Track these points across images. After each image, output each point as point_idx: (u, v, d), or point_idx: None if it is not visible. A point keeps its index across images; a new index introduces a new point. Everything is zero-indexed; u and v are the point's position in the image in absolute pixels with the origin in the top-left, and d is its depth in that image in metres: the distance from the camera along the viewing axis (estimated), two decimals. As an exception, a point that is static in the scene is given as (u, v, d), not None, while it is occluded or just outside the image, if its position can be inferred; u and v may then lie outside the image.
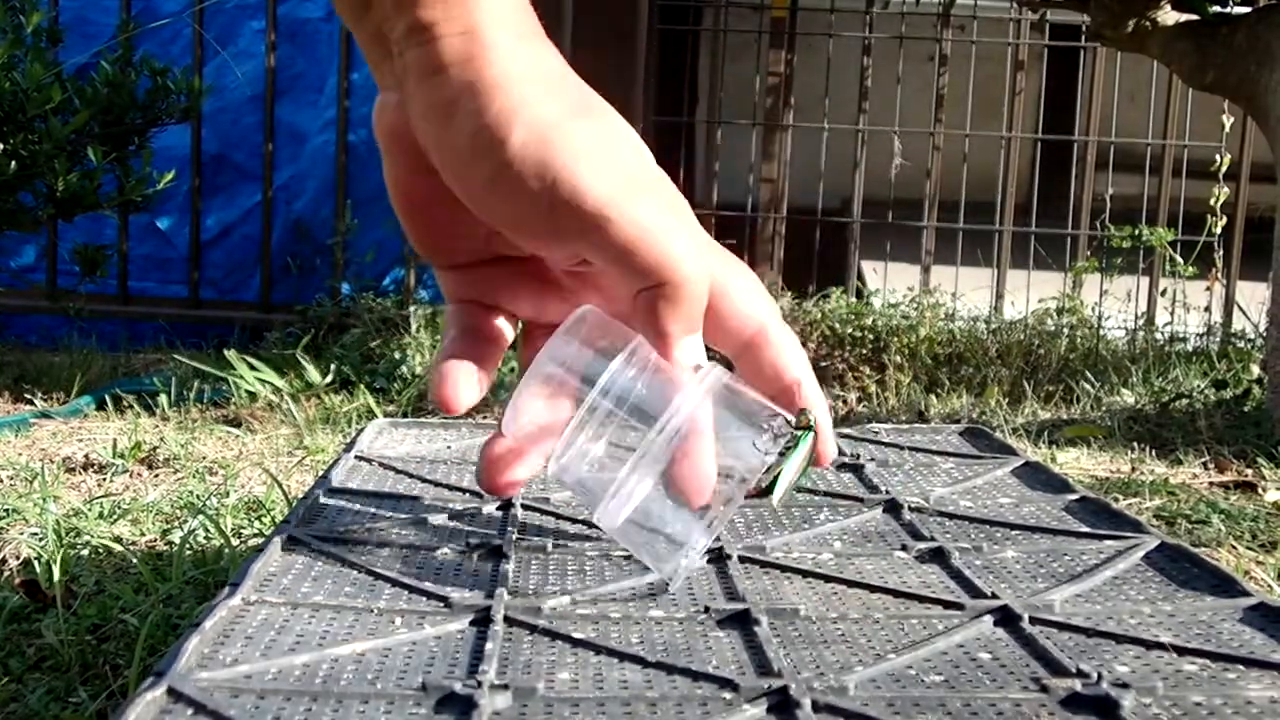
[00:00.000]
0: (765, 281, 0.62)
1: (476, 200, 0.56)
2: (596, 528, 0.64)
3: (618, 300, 0.57)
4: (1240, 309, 2.91)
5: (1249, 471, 1.80)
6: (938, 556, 0.68)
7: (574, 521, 0.74)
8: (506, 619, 0.57)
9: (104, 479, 1.63)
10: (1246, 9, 2.09)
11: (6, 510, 1.40)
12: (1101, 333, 2.88)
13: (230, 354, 2.41)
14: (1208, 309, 2.97)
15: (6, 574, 1.22)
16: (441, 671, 0.51)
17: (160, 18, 3.11)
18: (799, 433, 0.59)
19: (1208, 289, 2.95)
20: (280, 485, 1.44)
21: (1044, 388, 2.51)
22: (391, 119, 0.57)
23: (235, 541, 1.30)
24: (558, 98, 0.55)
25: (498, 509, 0.77)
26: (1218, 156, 2.81)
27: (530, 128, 0.53)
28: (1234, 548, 1.36)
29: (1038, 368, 2.66)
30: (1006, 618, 0.58)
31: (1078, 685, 0.49)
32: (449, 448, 0.95)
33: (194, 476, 1.63)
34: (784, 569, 0.65)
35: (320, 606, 0.59)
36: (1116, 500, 1.56)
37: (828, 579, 0.64)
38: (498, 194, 0.54)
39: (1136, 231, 3.06)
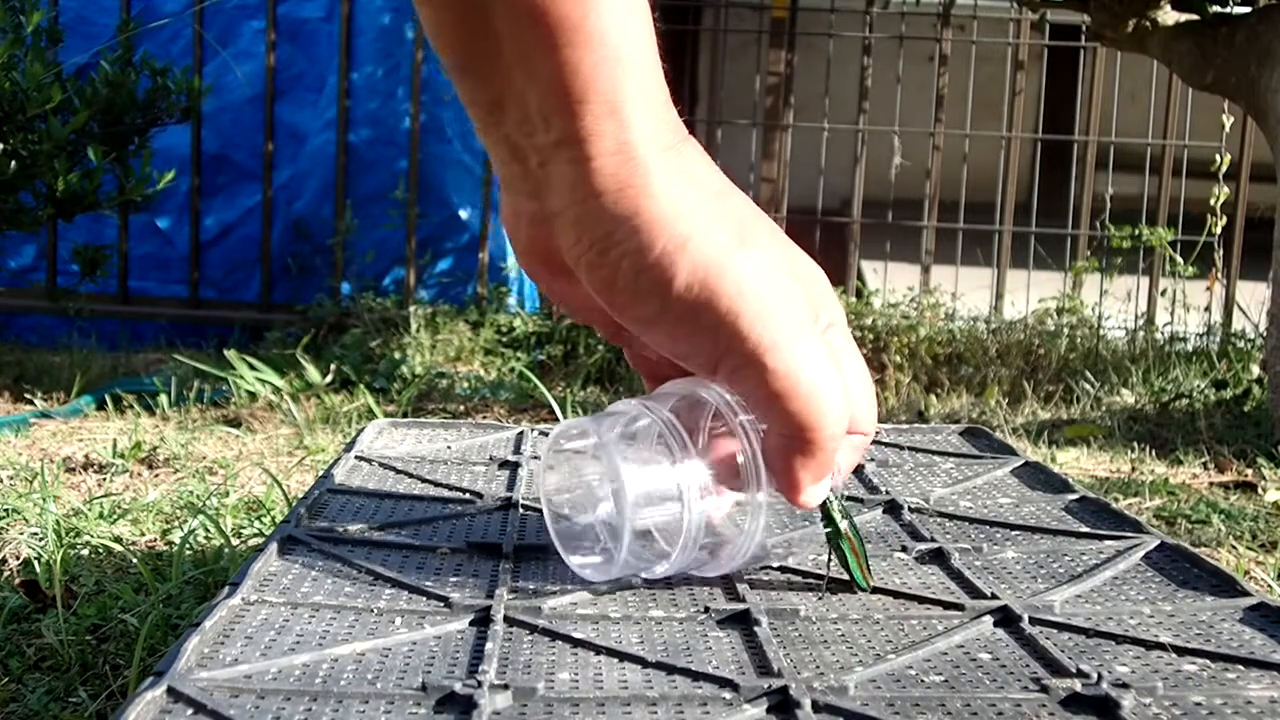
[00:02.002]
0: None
1: (636, 328, 0.56)
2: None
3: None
4: (1240, 309, 2.91)
5: (1249, 471, 1.80)
6: (938, 557, 0.68)
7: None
8: (506, 619, 0.57)
9: (104, 479, 1.63)
10: (1246, 9, 2.09)
11: (6, 510, 1.40)
12: (1101, 333, 2.88)
13: (230, 354, 2.41)
14: (1208, 309, 2.97)
15: (6, 574, 1.22)
16: (441, 671, 0.51)
17: (160, 18, 3.11)
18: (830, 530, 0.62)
19: (1208, 289, 2.95)
20: (280, 485, 1.44)
21: (1044, 388, 2.51)
22: (530, 235, 0.56)
23: (235, 541, 1.30)
24: (718, 226, 0.54)
25: (498, 509, 0.77)
26: (1218, 156, 2.81)
27: (693, 270, 0.52)
28: (1234, 548, 1.36)
29: (1038, 368, 2.66)
30: (1006, 618, 0.58)
31: (1078, 685, 0.49)
32: (449, 448, 0.95)
33: (194, 476, 1.63)
34: (784, 569, 0.65)
35: (320, 606, 0.59)
36: (1116, 500, 1.56)
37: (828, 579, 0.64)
38: (659, 331, 0.54)
39: (1136, 231, 3.05)
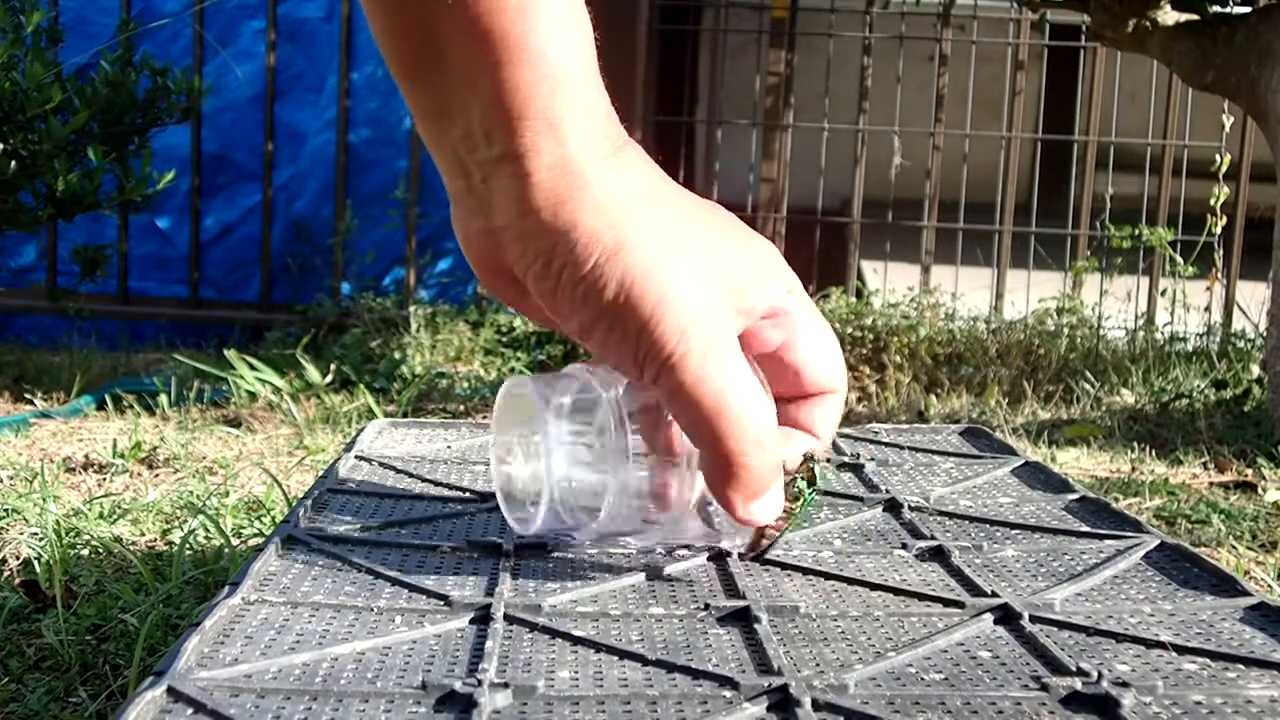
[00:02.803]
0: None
1: (576, 336, 0.58)
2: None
3: None
4: (1240, 309, 2.91)
5: (1249, 471, 1.80)
6: (938, 555, 0.68)
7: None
8: (506, 617, 0.57)
9: (104, 479, 1.63)
10: (1246, 9, 2.09)
11: (6, 510, 1.40)
12: (1101, 333, 2.88)
13: (230, 354, 2.41)
14: (1208, 309, 2.97)
15: (6, 574, 1.22)
16: (441, 670, 0.51)
17: (160, 18, 3.11)
18: (804, 493, 0.63)
19: (1208, 289, 2.95)
20: (280, 485, 1.44)
21: (1044, 388, 2.51)
22: (481, 248, 0.58)
23: (235, 541, 1.30)
24: (650, 233, 0.55)
25: (497, 508, 0.77)
26: (1218, 156, 2.81)
27: (621, 279, 0.54)
28: (1234, 548, 1.36)
29: (1038, 368, 2.66)
30: (1007, 616, 0.58)
31: (1078, 684, 0.49)
32: (449, 447, 0.95)
33: (194, 476, 1.63)
34: (784, 566, 0.65)
35: (320, 606, 0.59)
36: (1116, 500, 1.56)
37: (828, 577, 0.64)
38: (594, 339, 0.57)
39: (1136, 231, 3.05)
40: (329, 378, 2.43)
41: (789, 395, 0.63)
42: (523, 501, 0.65)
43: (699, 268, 0.56)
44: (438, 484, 0.83)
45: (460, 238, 0.59)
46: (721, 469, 0.57)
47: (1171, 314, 2.99)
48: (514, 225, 0.55)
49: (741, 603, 0.59)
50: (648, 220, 0.56)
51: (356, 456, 0.89)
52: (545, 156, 0.54)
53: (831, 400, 0.63)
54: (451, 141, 0.55)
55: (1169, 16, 2.11)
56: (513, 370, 2.64)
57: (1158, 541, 0.69)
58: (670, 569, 0.64)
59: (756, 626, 0.56)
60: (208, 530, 1.33)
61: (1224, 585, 0.63)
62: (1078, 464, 1.84)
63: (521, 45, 0.53)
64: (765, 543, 0.64)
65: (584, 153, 0.55)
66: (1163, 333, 2.95)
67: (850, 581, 0.63)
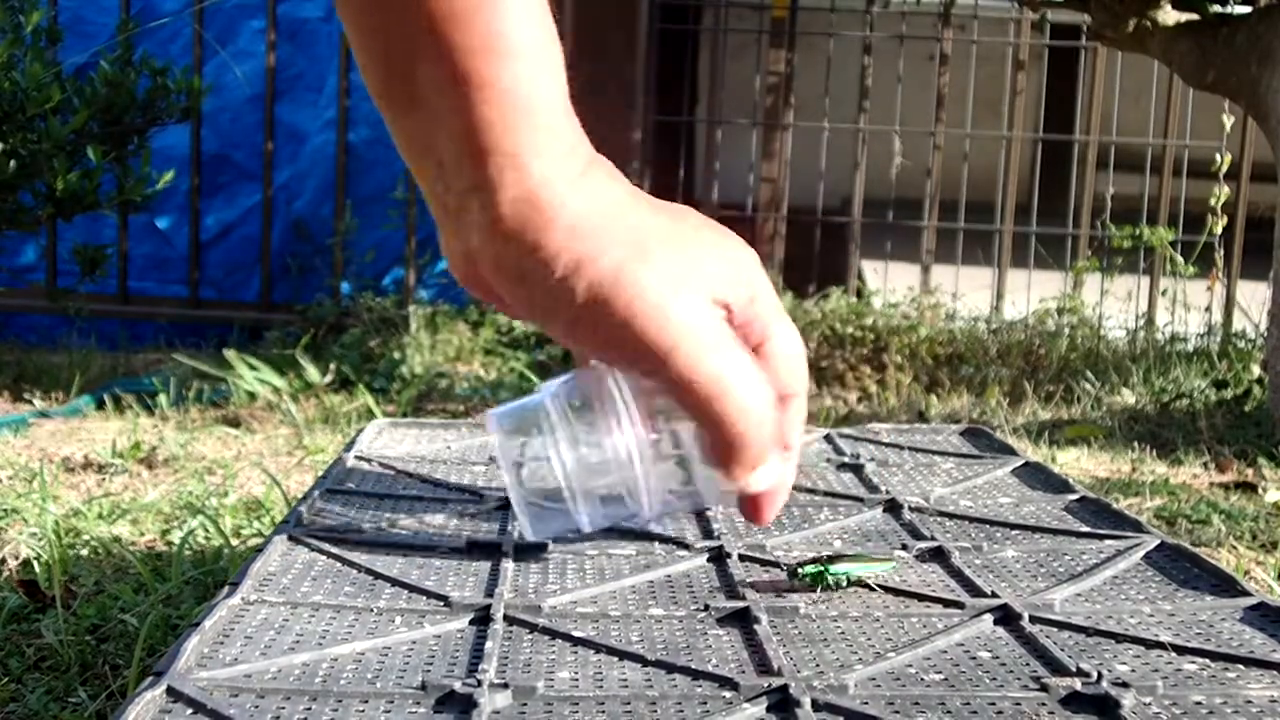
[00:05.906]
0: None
1: (563, 340, 0.60)
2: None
3: None
4: (1240, 309, 2.91)
5: (1249, 471, 1.80)
6: (938, 556, 0.68)
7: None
8: (506, 618, 0.57)
9: (103, 479, 1.63)
10: (1247, 9, 2.09)
11: (6, 510, 1.40)
12: (1102, 333, 2.88)
13: (230, 354, 2.41)
14: (1208, 309, 2.97)
15: (6, 574, 1.22)
16: (441, 670, 0.51)
17: (160, 17, 3.11)
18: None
19: (1208, 289, 2.95)
20: (280, 485, 1.44)
21: (1044, 388, 2.51)
22: (464, 269, 0.60)
23: (235, 541, 1.30)
24: (614, 243, 0.57)
25: (497, 508, 0.77)
26: (1218, 156, 2.81)
27: (589, 287, 0.56)
28: (1234, 548, 1.36)
29: (1038, 368, 2.66)
30: (1007, 617, 0.58)
31: (1078, 684, 0.49)
32: (449, 448, 0.95)
33: (194, 476, 1.63)
34: (784, 567, 0.65)
35: (320, 606, 0.59)
36: (1116, 500, 1.56)
37: (828, 578, 0.64)
38: (574, 340, 0.59)
39: (1137, 231, 3.05)
40: (328, 378, 2.43)
41: None
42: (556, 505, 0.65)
43: (670, 266, 0.58)
44: (437, 484, 0.83)
45: (445, 256, 0.61)
46: (725, 447, 0.58)
47: (1172, 314, 2.99)
48: (487, 250, 0.57)
49: (741, 603, 0.59)
50: (612, 233, 0.57)
51: (356, 456, 0.89)
52: (510, 189, 0.56)
53: (795, 404, 0.64)
54: (430, 172, 0.58)
55: (1169, 16, 2.11)
56: (512, 370, 2.64)
57: (1158, 542, 0.69)
58: (671, 569, 0.64)
59: (756, 627, 0.56)
60: (207, 530, 1.33)
61: (1224, 585, 0.63)
62: (1078, 464, 1.84)
63: (490, 86, 0.55)
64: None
65: (548, 180, 0.57)
66: (1163, 333, 2.95)
67: (850, 583, 0.63)
